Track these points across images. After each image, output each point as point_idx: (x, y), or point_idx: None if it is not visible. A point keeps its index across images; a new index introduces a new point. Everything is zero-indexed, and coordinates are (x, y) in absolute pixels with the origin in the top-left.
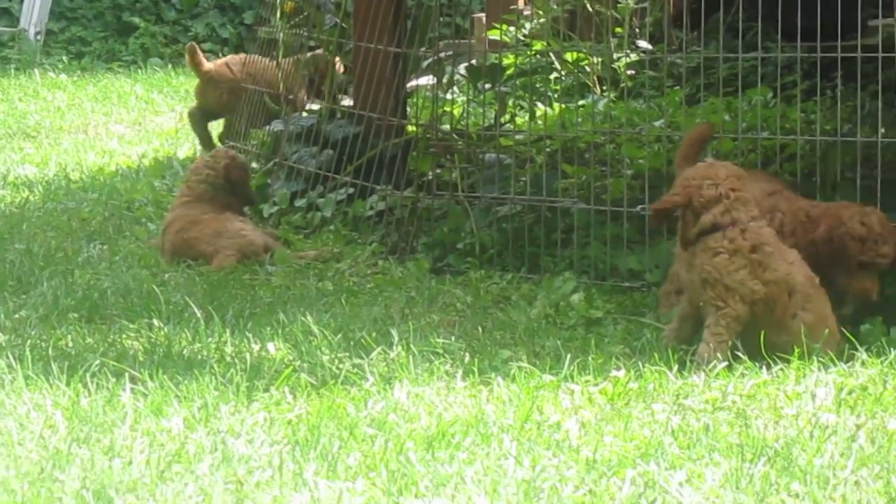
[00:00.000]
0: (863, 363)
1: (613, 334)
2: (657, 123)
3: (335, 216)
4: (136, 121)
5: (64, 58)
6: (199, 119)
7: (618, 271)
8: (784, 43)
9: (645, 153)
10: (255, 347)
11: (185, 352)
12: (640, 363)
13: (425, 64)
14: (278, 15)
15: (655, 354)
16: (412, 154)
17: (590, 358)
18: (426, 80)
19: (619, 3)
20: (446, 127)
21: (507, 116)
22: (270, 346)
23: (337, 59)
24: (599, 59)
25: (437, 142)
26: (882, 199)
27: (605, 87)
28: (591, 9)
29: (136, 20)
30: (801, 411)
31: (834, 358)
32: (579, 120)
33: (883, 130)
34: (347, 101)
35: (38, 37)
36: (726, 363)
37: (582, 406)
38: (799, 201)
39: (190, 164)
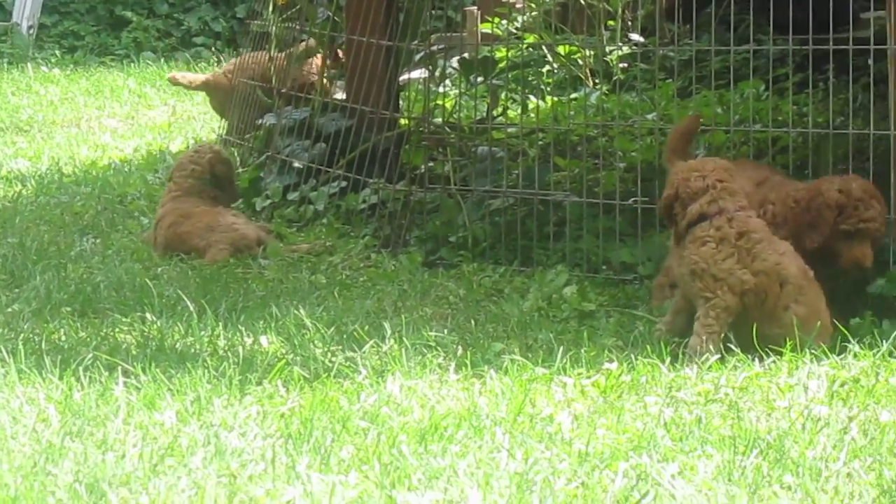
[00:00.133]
0: (855, 355)
1: (606, 327)
2: (649, 116)
3: (328, 209)
4: (128, 115)
5: (57, 52)
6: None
7: (610, 264)
8: (776, 35)
9: (637, 146)
10: (248, 341)
11: (177, 345)
12: (632, 356)
13: (417, 57)
14: (270, 8)
15: (648, 347)
16: (404, 147)
17: (582, 351)
18: (418, 74)
19: None
20: (439, 120)
21: (500, 109)
22: (263, 339)
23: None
24: (592, 52)
25: (429, 135)
26: None
27: (597, 80)
28: (583, 2)
29: (129, 14)
30: (793, 403)
31: (826, 350)
32: (571, 113)
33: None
34: (339, 94)
35: (31, 31)
36: (718, 355)
37: (574, 399)
38: (786, 186)
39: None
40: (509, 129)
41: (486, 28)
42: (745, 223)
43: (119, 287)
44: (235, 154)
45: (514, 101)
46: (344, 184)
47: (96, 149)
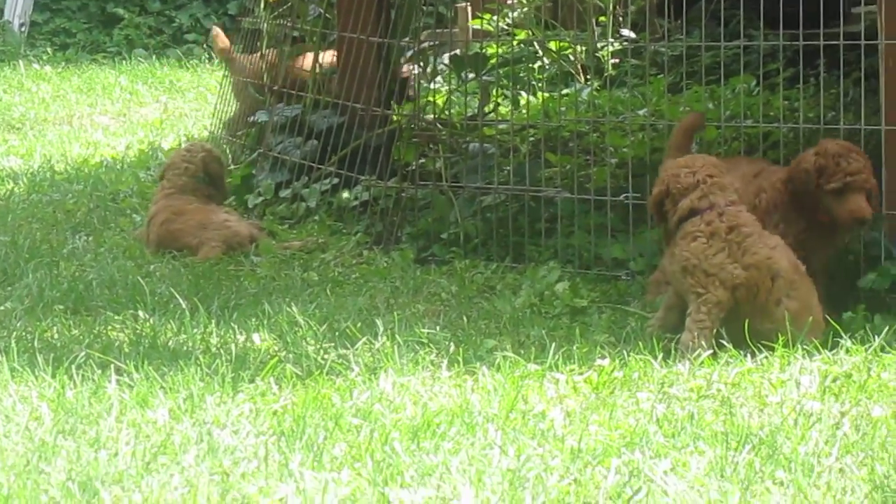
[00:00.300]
0: (847, 351)
1: (598, 323)
2: (641, 112)
3: (320, 206)
4: (120, 112)
5: (48, 49)
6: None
7: (602, 260)
8: (767, 31)
9: (628, 142)
10: (241, 338)
11: (170, 343)
12: (624, 352)
13: (409, 54)
14: (262, 5)
15: (640, 343)
16: (396, 144)
17: (574, 347)
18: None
19: None
20: (430, 117)
21: (491, 106)
22: (256, 336)
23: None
24: (583, 48)
25: (420, 132)
26: None
27: (588, 76)
28: None
29: (121, 11)
30: (785, 399)
31: (818, 345)
32: (563, 109)
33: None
34: None
35: (23, 28)
36: (710, 351)
37: (567, 395)
38: (777, 173)
39: (166, 159)
40: (501, 126)
41: (476, 24)
42: (735, 217)
43: (111, 285)
44: (227, 151)
45: (506, 97)
46: (336, 181)
47: (88, 146)
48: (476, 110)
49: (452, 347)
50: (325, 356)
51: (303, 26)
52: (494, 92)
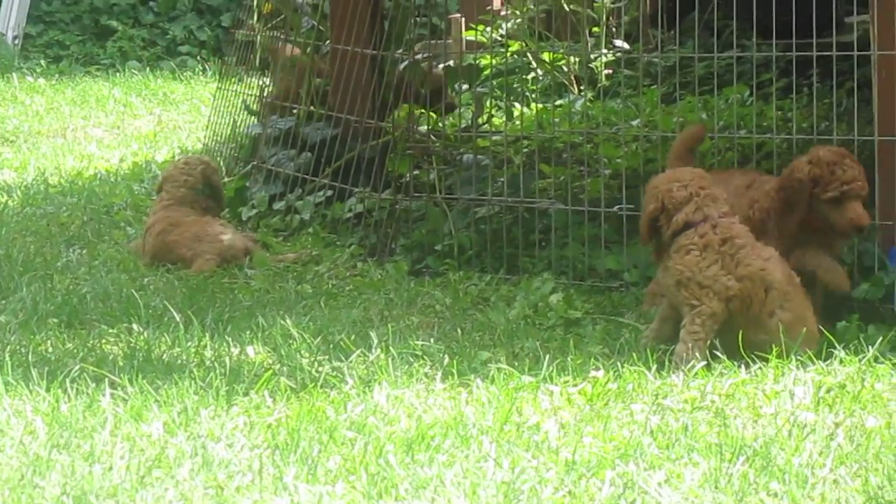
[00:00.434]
0: (841, 361)
1: (592, 335)
2: (634, 123)
3: (314, 219)
4: (114, 124)
5: (42, 61)
6: None
7: (596, 271)
8: (760, 41)
9: (622, 153)
10: (235, 351)
11: (164, 356)
12: (619, 363)
13: (402, 66)
14: (255, 17)
15: (634, 354)
16: (390, 156)
17: (569, 359)
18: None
19: (596, 2)
20: (424, 128)
21: (485, 117)
22: (250, 349)
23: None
24: (576, 59)
25: (414, 143)
26: None
27: (582, 87)
28: (567, 8)
29: (114, 23)
30: (779, 410)
31: (812, 356)
32: (556, 120)
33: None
34: None
35: (16, 41)
36: (705, 362)
37: (561, 407)
38: (770, 182)
39: (162, 172)
40: (494, 137)
41: (470, 35)
42: (728, 229)
43: (106, 298)
44: (221, 163)
45: (499, 108)
46: (330, 193)
47: (82, 159)
48: (470, 122)
49: (447, 359)
50: (320, 369)
51: (296, 38)
52: (488, 103)
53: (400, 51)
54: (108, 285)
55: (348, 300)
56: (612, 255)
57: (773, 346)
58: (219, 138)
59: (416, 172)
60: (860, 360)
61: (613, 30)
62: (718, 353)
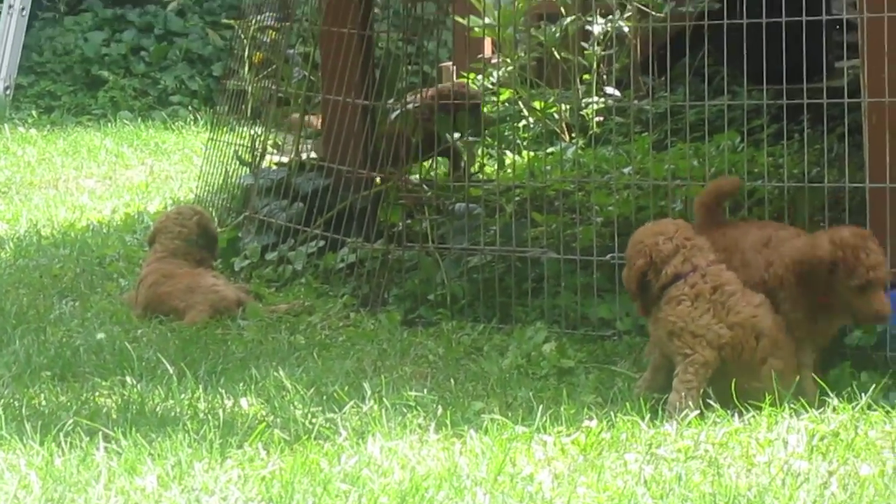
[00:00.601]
0: (834, 409)
1: (585, 384)
2: (626, 170)
3: (306, 269)
4: (106, 175)
5: (34, 112)
6: None
7: (588, 320)
8: (750, 86)
9: (614, 200)
10: (229, 403)
11: (158, 409)
12: (612, 413)
13: (394, 115)
14: (247, 67)
15: (627, 404)
16: (382, 205)
17: (562, 408)
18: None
19: (586, 50)
20: (416, 177)
21: (477, 166)
22: (243, 401)
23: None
24: (567, 107)
25: (406, 193)
26: None
27: (573, 135)
28: (558, 56)
29: (105, 74)
30: (773, 459)
31: (805, 404)
32: (548, 168)
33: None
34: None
35: (8, 91)
36: (698, 411)
37: (555, 457)
38: (787, 243)
39: (154, 223)
40: (486, 186)
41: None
42: (717, 276)
43: (99, 350)
44: (213, 214)
45: (491, 156)
46: (322, 243)
47: (74, 210)
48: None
49: (440, 410)
50: (313, 421)
51: (287, 89)
52: (480, 151)
53: (391, 100)
54: (102, 337)
55: (341, 351)
56: (604, 304)
57: (767, 393)
58: (211, 188)
59: (408, 222)
60: (853, 408)
61: (604, 77)
62: (712, 402)
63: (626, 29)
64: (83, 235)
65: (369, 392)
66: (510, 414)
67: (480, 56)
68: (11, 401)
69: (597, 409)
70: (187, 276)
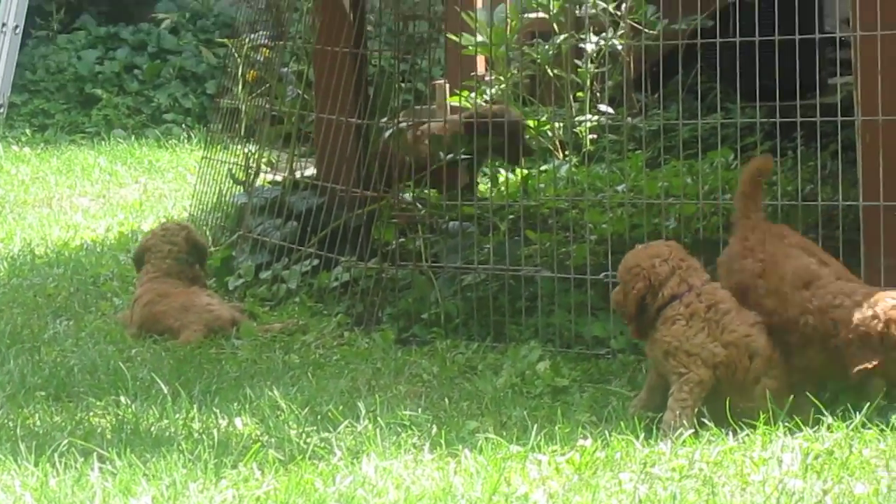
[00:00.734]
0: (829, 427)
1: (580, 402)
2: (619, 188)
3: (300, 288)
4: (100, 193)
5: (27, 130)
6: None
7: (583, 339)
8: (744, 103)
9: (607, 218)
10: (223, 423)
11: (152, 429)
12: (606, 432)
13: (387, 133)
14: (240, 85)
15: (622, 423)
16: (376, 224)
17: (556, 427)
18: None
19: (579, 67)
20: (409, 196)
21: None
22: (238, 421)
23: None
24: (561, 124)
25: (399, 212)
26: (844, 260)
27: (567, 152)
28: (551, 74)
29: (99, 92)
30: (767, 477)
31: (800, 423)
32: (542, 186)
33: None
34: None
35: (1, 110)
36: (693, 430)
37: (549, 476)
38: (828, 288)
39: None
40: (480, 204)
41: (454, 101)
42: (712, 295)
43: (93, 370)
44: (207, 233)
45: (484, 174)
46: (316, 262)
47: (68, 229)
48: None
49: (434, 429)
50: (308, 440)
51: (280, 107)
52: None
53: (385, 119)
54: (96, 357)
55: (336, 370)
56: (598, 322)
57: (761, 412)
58: (204, 207)
59: (401, 240)
60: (848, 427)
61: (598, 95)
62: (706, 421)
63: (619, 46)
64: (77, 254)
65: (364, 411)
66: (505, 433)
67: (473, 74)
68: (6, 421)
69: (591, 427)
70: (182, 296)
